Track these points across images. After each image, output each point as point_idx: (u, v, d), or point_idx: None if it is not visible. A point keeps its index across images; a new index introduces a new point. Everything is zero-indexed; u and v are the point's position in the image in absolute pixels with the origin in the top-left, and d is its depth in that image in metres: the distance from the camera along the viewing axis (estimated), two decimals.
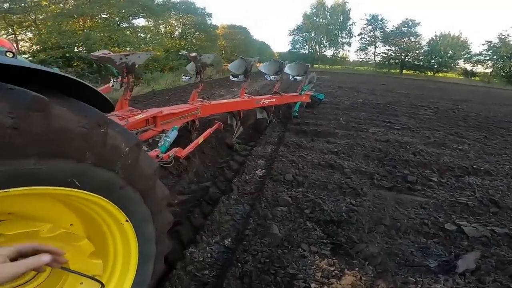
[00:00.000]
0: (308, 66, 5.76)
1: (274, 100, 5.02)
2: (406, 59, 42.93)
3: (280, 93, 5.25)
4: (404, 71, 42.06)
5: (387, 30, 43.70)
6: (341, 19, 46.69)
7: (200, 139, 3.05)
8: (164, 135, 2.79)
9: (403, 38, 42.40)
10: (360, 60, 47.88)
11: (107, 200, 1.00)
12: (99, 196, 0.96)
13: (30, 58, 10.07)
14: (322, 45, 48.92)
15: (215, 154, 4.40)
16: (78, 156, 0.85)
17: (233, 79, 4.79)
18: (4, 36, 10.40)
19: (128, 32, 15.64)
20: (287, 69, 5.60)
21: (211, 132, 3.28)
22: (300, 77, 5.69)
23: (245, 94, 4.66)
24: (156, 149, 2.43)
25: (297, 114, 6.39)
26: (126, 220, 1.11)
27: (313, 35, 48.00)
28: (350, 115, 7.10)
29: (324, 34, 47.01)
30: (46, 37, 11.60)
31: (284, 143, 4.57)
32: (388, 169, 3.75)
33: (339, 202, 2.79)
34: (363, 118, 6.87)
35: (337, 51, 49.00)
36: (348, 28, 47.26)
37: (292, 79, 5.87)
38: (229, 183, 3.41)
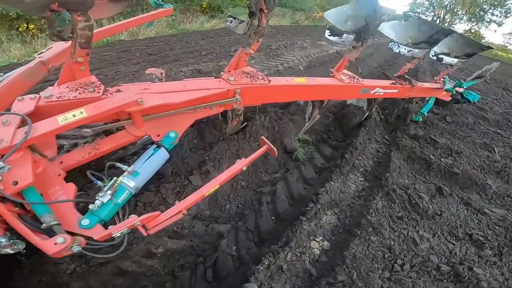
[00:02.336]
0: (487, 47, 2.98)
1: (396, 91, 2.70)
2: None
3: (411, 80, 2.84)
4: None
5: None
6: None
7: (208, 187, 1.21)
8: (125, 173, 1.17)
9: None
10: (507, 45, 35.77)
11: None
12: None
13: None
14: (456, 16, 37.76)
15: (258, 160, 2.59)
16: None
17: (331, 38, 2.65)
18: None
19: None
20: None
21: (243, 168, 1.41)
22: (456, 59, 3.08)
23: (346, 71, 2.50)
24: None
25: (421, 119, 3.85)
26: None
27: (447, 2, 37.07)
28: (509, 142, 4.12)
29: (466, 5, 35.61)
30: None
31: (388, 185, 2.41)
32: None
33: None
34: None
35: (477, 28, 37.27)
36: (507, 6, 34.52)
37: (434, 57, 3.32)
38: (258, 247, 1.64)
